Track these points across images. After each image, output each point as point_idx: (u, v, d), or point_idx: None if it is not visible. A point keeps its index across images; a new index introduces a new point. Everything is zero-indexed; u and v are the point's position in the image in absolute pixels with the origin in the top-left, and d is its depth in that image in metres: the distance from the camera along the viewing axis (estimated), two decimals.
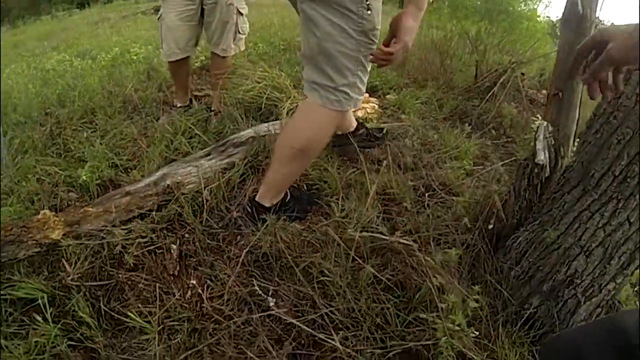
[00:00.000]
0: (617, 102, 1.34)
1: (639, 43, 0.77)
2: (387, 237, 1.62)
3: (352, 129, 2.38)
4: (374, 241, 1.68)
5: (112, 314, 1.53)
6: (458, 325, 1.35)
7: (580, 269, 1.42)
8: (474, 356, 1.36)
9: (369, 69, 1.66)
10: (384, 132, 2.54)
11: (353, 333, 1.45)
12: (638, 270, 1.51)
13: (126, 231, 1.80)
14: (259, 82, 2.66)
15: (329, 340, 1.42)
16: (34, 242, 1.68)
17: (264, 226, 1.78)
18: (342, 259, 1.63)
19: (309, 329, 1.48)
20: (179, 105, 2.91)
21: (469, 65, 3.95)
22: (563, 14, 1.99)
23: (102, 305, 1.53)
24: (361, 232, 1.69)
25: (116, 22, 7.14)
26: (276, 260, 1.71)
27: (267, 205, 1.88)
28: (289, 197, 1.95)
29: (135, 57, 4.04)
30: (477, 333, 1.43)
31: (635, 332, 0.64)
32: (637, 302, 1.77)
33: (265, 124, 2.36)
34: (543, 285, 1.50)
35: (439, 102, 3.37)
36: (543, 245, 1.51)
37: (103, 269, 1.67)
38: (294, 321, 1.50)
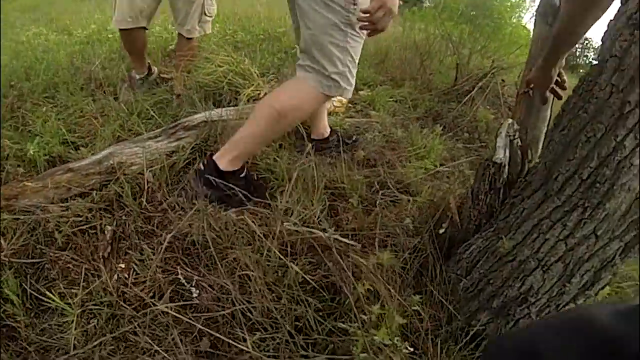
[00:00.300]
0: (588, 94, 1.08)
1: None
2: (320, 233, 1.35)
3: (326, 135, 2.23)
4: (310, 237, 1.42)
5: (37, 294, 1.39)
6: (389, 340, 1.09)
7: (536, 285, 1.16)
8: None
9: (356, 61, 1.70)
10: (354, 139, 2.34)
11: (271, 335, 1.24)
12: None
13: (63, 209, 1.64)
14: (220, 67, 2.39)
15: (239, 342, 1.22)
16: None
17: (193, 210, 1.56)
18: (273, 254, 1.40)
19: (205, 328, 1.27)
20: (137, 77, 2.62)
21: (450, 67, 3.69)
22: (538, 6, 1.74)
23: (28, 284, 1.40)
24: (299, 226, 1.44)
25: None
26: (204, 250, 1.51)
27: (222, 167, 1.72)
28: (244, 173, 1.77)
29: (111, 36, 3.75)
30: (412, 349, 1.17)
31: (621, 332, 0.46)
32: None
33: (219, 109, 2.10)
34: (493, 300, 1.23)
35: (414, 102, 3.11)
36: (496, 256, 1.24)
37: (36, 247, 1.53)
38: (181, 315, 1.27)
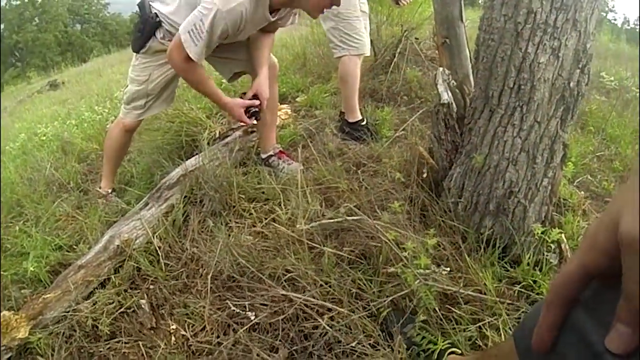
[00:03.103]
0: (490, 28, 1.52)
1: None
2: (334, 219, 1.70)
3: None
4: (325, 228, 1.76)
5: None
6: (427, 268, 1.46)
7: (514, 177, 1.58)
8: (452, 289, 1.47)
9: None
10: None
11: (337, 311, 1.53)
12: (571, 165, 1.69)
13: (92, 304, 1.79)
14: (172, 122, 2.69)
15: (312, 332, 1.49)
16: (3, 347, 1.62)
17: (218, 250, 1.83)
18: (301, 253, 1.71)
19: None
20: (110, 190, 2.63)
21: None
22: None
23: None
24: (310, 223, 1.78)
25: (14, 108, 6.85)
26: (242, 276, 1.76)
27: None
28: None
29: (44, 138, 3.92)
30: (449, 269, 1.54)
31: None
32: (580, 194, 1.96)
33: (192, 159, 2.40)
34: (489, 205, 1.64)
35: None
36: (476, 172, 1.65)
37: (82, 350, 1.65)
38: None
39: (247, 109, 2.18)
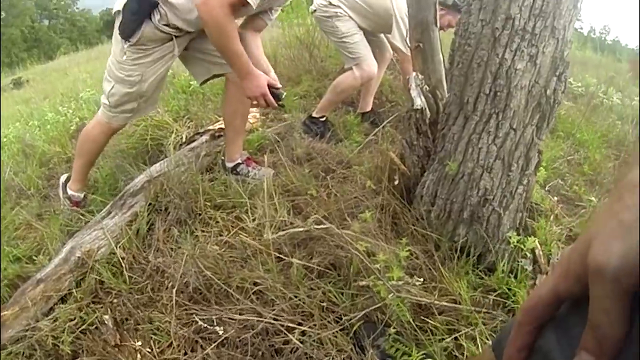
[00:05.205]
0: (466, 33, 1.47)
1: None
2: (302, 228, 1.64)
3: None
4: (293, 237, 1.69)
5: None
6: (400, 280, 1.40)
7: (489, 185, 1.54)
8: (426, 300, 1.42)
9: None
10: None
11: (308, 325, 1.47)
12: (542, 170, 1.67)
13: (52, 321, 1.68)
14: (137, 125, 2.58)
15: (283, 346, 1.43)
16: None
17: (184, 261, 1.74)
18: (269, 264, 1.64)
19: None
20: (82, 196, 2.42)
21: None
22: None
23: None
24: (277, 233, 1.70)
25: None
26: (208, 289, 1.68)
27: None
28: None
29: (5, 140, 3.71)
30: (422, 280, 1.50)
31: None
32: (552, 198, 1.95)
33: (157, 164, 2.30)
34: (462, 213, 1.59)
35: (317, 92, 3.48)
36: (449, 179, 1.60)
37: None
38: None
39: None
